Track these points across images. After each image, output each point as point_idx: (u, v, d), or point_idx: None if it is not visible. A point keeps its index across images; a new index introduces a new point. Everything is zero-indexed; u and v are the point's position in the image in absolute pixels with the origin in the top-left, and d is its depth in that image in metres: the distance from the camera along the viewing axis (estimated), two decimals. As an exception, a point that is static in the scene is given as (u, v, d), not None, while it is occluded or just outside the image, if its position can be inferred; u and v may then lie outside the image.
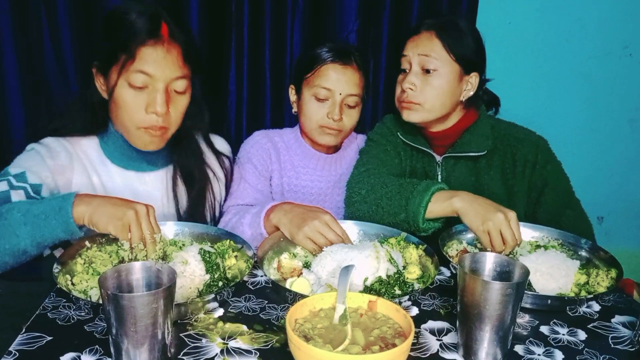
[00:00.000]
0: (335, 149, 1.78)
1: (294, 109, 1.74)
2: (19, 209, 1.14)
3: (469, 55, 1.54)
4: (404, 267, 1.23)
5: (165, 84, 1.31)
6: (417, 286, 1.19)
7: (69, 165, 1.37)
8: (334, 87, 1.61)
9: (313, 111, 1.65)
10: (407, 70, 1.57)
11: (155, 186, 1.48)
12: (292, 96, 1.74)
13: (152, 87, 1.31)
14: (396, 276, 1.17)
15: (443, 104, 1.55)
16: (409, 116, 1.57)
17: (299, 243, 1.31)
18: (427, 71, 1.52)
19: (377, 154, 1.67)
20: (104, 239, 1.21)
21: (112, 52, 1.30)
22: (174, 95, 1.35)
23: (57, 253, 1.39)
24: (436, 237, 1.36)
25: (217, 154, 1.61)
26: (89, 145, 1.42)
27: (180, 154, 1.50)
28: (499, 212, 1.27)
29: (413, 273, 1.21)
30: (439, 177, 1.64)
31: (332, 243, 1.28)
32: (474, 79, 1.56)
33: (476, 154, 1.59)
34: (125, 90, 1.31)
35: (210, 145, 1.60)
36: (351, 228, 1.39)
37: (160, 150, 1.44)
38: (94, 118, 1.40)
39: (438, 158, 1.64)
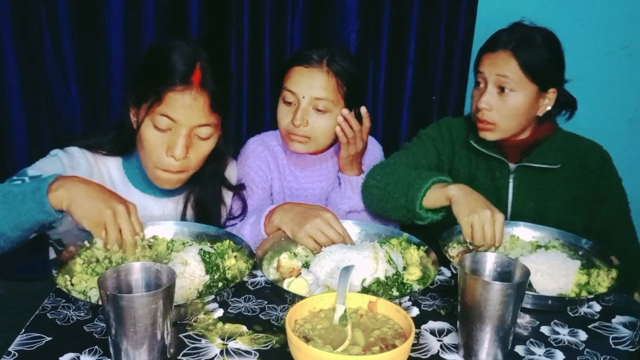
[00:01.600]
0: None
1: None
2: (0, 191, 1.14)
3: (547, 72, 1.52)
4: (405, 268, 1.23)
5: (188, 129, 1.31)
6: (416, 287, 1.19)
7: (88, 178, 1.35)
8: (297, 90, 1.54)
9: (281, 116, 1.59)
10: (482, 86, 1.55)
11: (170, 211, 1.49)
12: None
13: (175, 130, 1.31)
14: (394, 277, 1.16)
15: (519, 124, 1.55)
16: (485, 135, 1.57)
17: (300, 241, 1.31)
18: (503, 89, 1.51)
19: (415, 152, 1.66)
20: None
21: (144, 90, 1.31)
22: (197, 140, 1.35)
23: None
24: (437, 237, 1.36)
25: (232, 188, 1.58)
26: (113, 164, 1.44)
27: (199, 189, 1.49)
28: (488, 209, 1.28)
29: (413, 274, 1.21)
30: (511, 185, 1.62)
31: (333, 242, 1.28)
32: (551, 95, 1.55)
33: (552, 166, 1.58)
34: (149, 129, 1.32)
35: (225, 181, 1.57)
36: (352, 228, 1.39)
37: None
38: (122, 141, 1.42)
39: (511, 166, 1.62)
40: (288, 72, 1.57)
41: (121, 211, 1.10)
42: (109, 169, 1.44)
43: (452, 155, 1.68)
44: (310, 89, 1.53)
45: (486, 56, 1.55)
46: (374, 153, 1.77)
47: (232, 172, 1.64)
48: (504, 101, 1.51)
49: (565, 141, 1.63)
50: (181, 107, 1.29)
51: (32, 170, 1.30)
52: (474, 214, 1.27)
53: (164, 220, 1.36)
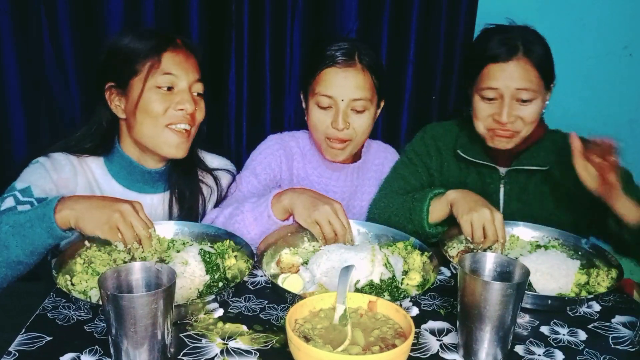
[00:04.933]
0: (353, 158, 1.67)
1: (306, 117, 1.62)
2: (7, 221, 1.15)
3: (551, 69, 1.50)
4: (406, 273, 1.22)
5: (188, 84, 1.41)
6: (414, 293, 1.17)
7: (72, 179, 1.40)
8: (335, 93, 1.48)
9: (317, 120, 1.53)
10: (496, 100, 1.46)
11: (154, 208, 1.50)
12: (304, 103, 1.62)
13: (177, 88, 1.40)
14: (389, 281, 1.15)
15: (533, 127, 1.50)
16: (501, 144, 1.50)
17: (306, 225, 1.31)
18: (522, 101, 1.45)
19: (404, 175, 1.63)
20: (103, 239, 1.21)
21: (130, 67, 1.37)
22: (196, 98, 1.44)
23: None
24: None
25: (210, 170, 1.60)
26: (95, 164, 1.46)
27: (179, 178, 1.52)
28: (486, 207, 1.29)
29: (414, 279, 1.20)
30: (502, 190, 1.58)
31: (335, 233, 1.28)
32: (549, 93, 1.52)
33: (541, 168, 1.55)
34: (153, 93, 1.38)
35: (203, 163, 1.60)
36: (358, 228, 1.39)
37: (161, 173, 1.49)
38: (101, 140, 1.46)
39: (502, 171, 1.58)
40: (318, 75, 1.51)
41: (128, 210, 1.13)
42: (92, 168, 1.45)
43: (440, 165, 1.65)
44: (349, 90, 1.48)
45: (496, 68, 1.45)
46: (394, 158, 1.76)
47: (221, 165, 1.64)
48: (525, 110, 1.46)
49: (552, 141, 1.59)
50: (178, 64, 1.40)
51: (20, 184, 1.31)
52: (473, 212, 1.28)
53: (165, 221, 1.37)
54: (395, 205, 1.50)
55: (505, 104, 1.45)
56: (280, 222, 1.34)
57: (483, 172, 1.60)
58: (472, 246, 1.30)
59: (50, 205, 1.13)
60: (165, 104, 1.38)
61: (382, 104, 1.62)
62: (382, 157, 1.75)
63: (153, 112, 1.38)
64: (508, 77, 1.44)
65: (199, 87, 1.44)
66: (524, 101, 1.45)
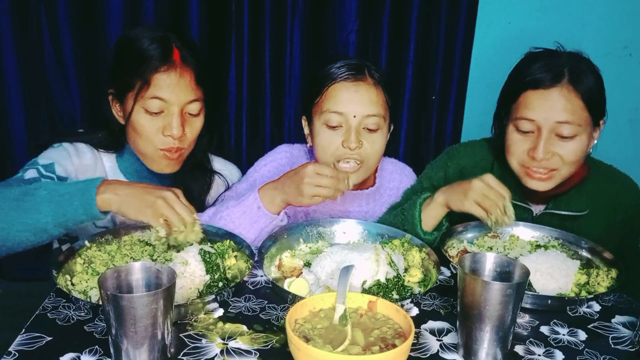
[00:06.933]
0: (366, 183, 1.56)
1: (309, 143, 1.53)
2: (46, 187, 1.17)
3: (602, 103, 1.33)
4: (406, 270, 1.23)
5: (180, 107, 1.38)
6: (417, 290, 1.18)
7: (92, 167, 1.44)
8: (346, 109, 1.39)
9: (326, 141, 1.42)
10: (530, 131, 1.33)
11: None
12: (306, 128, 1.53)
13: (167, 111, 1.38)
14: (395, 280, 1.15)
15: (576, 167, 1.36)
16: (537, 186, 1.37)
17: (307, 202, 1.29)
18: (563, 136, 1.30)
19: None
20: (103, 239, 1.22)
21: (127, 80, 1.36)
22: (189, 117, 1.43)
23: (65, 247, 1.40)
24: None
25: (214, 172, 1.63)
26: (107, 158, 1.50)
27: (188, 178, 1.55)
28: (473, 181, 1.26)
29: (415, 276, 1.20)
30: None
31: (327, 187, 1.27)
32: (600, 126, 1.37)
33: (579, 213, 1.43)
34: (141, 116, 1.38)
35: (210, 164, 1.62)
36: (355, 227, 1.39)
37: (168, 173, 1.50)
38: (113, 138, 1.48)
39: (535, 212, 1.47)
40: (324, 91, 1.42)
41: (170, 197, 1.15)
42: (104, 163, 1.49)
43: None
44: (360, 106, 1.39)
45: (535, 95, 1.30)
46: (410, 181, 1.68)
47: (230, 173, 1.66)
48: (566, 147, 1.31)
49: (597, 184, 1.47)
50: (169, 87, 1.35)
51: (43, 160, 1.35)
52: (468, 192, 1.26)
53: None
54: (388, 221, 1.44)
55: (543, 137, 1.30)
56: (270, 214, 1.34)
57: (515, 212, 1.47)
58: (495, 227, 1.28)
59: (94, 183, 1.15)
60: (154, 127, 1.38)
61: (392, 127, 1.52)
62: (397, 180, 1.66)
63: (142, 135, 1.40)
64: (548, 107, 1.28)
65: (192, 108, 1.41)
66: (565, 137, 1.31)
